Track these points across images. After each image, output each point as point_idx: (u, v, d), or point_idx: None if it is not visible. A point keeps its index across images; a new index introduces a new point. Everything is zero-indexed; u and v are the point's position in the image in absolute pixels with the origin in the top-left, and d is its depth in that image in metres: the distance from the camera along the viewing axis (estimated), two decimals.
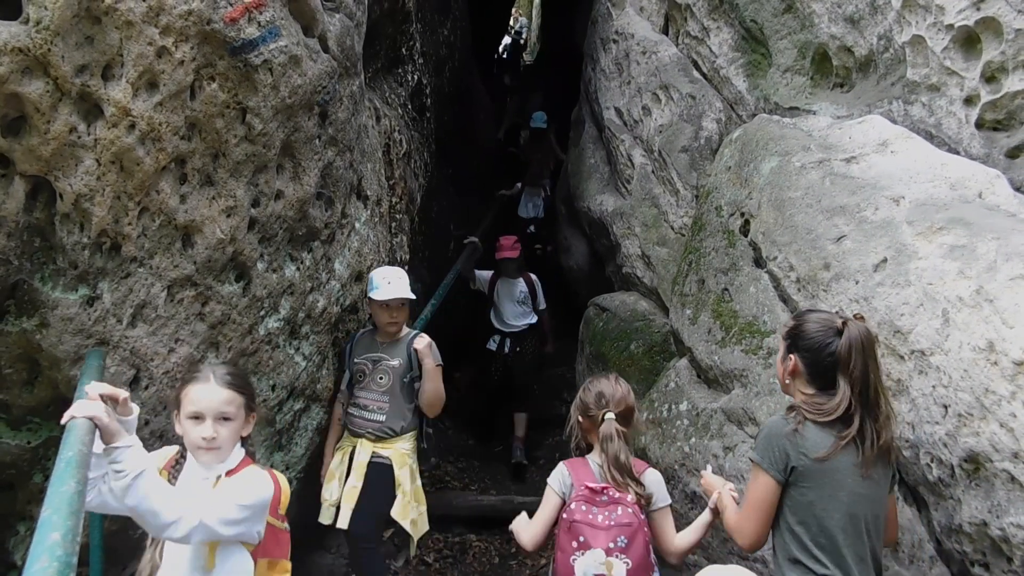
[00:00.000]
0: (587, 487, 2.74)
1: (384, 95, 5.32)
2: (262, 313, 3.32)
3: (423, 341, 3.79)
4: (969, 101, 3.24)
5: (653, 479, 2.86)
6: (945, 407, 2.46)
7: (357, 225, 4.01)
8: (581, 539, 2.69)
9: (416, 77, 5.95)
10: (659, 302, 5.00)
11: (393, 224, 4.85)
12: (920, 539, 2.63)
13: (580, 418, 2.91)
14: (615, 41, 6.03)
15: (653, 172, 5.31)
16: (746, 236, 3.54)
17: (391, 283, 3.79)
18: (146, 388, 2.89)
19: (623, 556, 2.65)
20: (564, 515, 2.77)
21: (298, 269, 3.50)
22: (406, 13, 5.44)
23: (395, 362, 3.80)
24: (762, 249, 3.36)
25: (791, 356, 2.46)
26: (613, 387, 2.88)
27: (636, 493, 2.72)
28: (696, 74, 5.17)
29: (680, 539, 2.80)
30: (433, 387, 3.79)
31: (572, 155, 7.34)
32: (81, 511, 1.58)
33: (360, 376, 3.81)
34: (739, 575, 2.20)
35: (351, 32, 3.63)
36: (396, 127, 5.19)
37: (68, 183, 2.51)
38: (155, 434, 2.97)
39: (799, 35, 4.21)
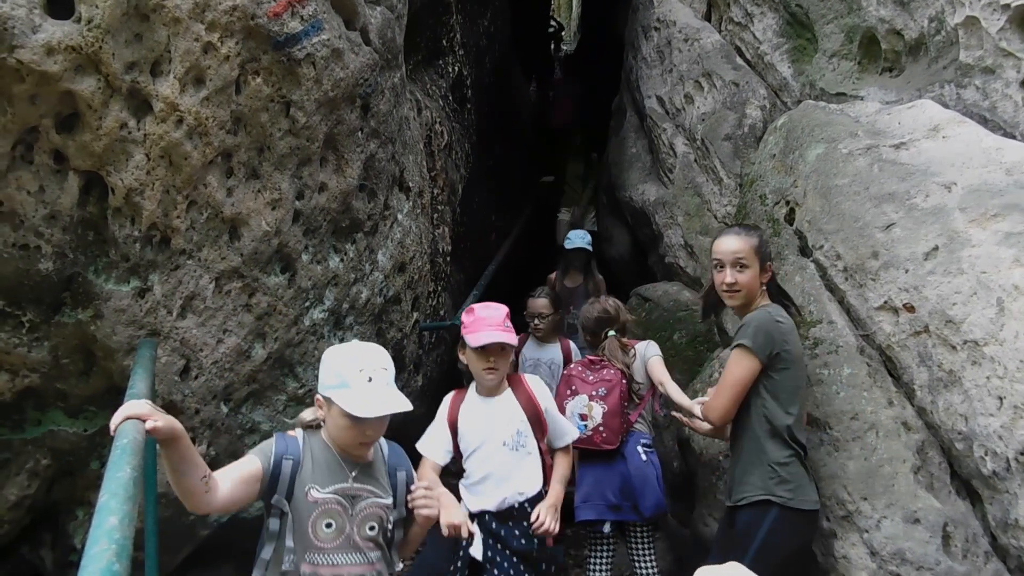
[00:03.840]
0: (588, 359, 3.69)
1: (425, 87, 5.34)
2: (307, 304, 3.37)
3: (430, 505, 2.31)
4: None
5: (641, 348, 3.73)
6: (1000, 399, 2.40)
7: (399, 216, 4.04)
8: (573, 388, 3.53)
9: (456, 68, 5.96)
10: None
11: (435, 215, 4.88)
12: (974, 534, 2.58)
13: (588, 336, 3.83)
14: (656, 29, 5.96)
15: (696, 161, 5.24)
16: (791, 225, 3.48)
17: (373, 381, 2.16)
18: (196, 378, 2.96)
19: (601, 402, 3.46)
20: (564, 372, 3.73)
21: (342, 260, 3.54)
22: (446, 4, 5.45)
23: (387, 499, 2.31)
24: (808, 238, 3.30)
25: (768, 264, 2.95)
26: (608, 311, 3.74)
27: (623, 369, 3.55)
28: (739, 61, 5.08)
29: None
30: (423, 532, 2.45)
31: (613, 144, 7.29)
32: (136, 496, 1.63)
33: (323, 519, 2.19)
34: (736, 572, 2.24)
35: (392, 24, 3.65)
36: (437, 119, 5.21)
37: (119, 178, 2.57)
38: (205, 423, 3.04)
39: (846, 19, 4.11)
